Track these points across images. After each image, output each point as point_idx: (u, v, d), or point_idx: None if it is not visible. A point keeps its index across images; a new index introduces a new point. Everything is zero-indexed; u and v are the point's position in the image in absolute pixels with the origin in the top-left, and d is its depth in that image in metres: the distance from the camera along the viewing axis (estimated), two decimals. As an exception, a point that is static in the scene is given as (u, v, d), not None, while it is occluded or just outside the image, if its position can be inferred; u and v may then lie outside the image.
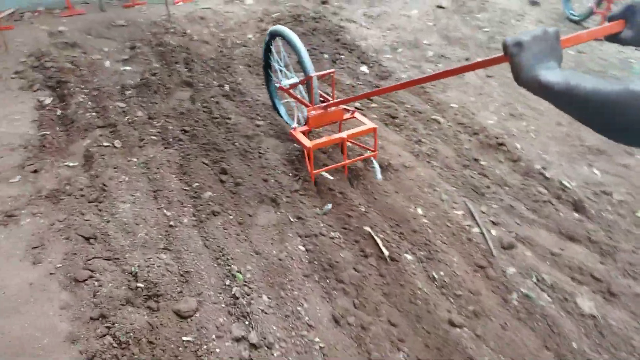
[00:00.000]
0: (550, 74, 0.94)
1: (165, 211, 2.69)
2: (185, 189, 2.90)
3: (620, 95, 0.82)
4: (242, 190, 2.85)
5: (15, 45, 4.64)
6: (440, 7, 5.60)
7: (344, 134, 2.84)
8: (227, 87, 4.05)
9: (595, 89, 0.85)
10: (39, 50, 4.52)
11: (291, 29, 3.18)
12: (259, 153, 3.21)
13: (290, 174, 2.99)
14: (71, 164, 3.10)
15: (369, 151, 3.03)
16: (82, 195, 2.78)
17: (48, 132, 3.39)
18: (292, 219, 2.63)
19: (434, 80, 1.73)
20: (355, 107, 3.41)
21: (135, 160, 3.17)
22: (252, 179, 2.94)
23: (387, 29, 5.14)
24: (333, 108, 2.92)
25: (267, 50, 3.39)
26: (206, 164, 3.14)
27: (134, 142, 3.32)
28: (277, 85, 3.31)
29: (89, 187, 2.85)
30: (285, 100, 3.56)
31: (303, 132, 2.95)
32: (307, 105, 3.00)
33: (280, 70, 3.28)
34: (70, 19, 5.32)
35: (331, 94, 3.09)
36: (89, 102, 3.78)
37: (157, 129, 3.50)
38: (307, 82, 2.96)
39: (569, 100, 0.91)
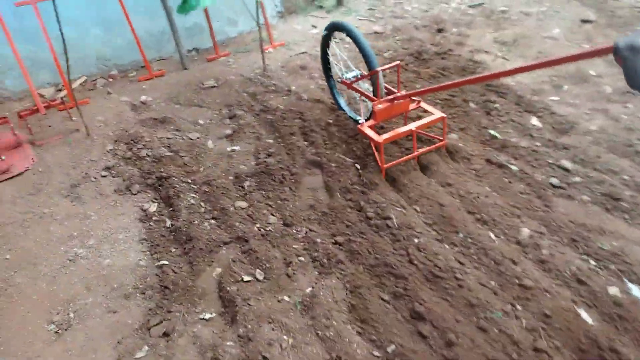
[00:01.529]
0: None
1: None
2: (376, 356, 2.02)
3: None
4: (462, 356, 1.93)
5: (97, 126, 3.96)
6: (587, 21, 4.50)
7: (412, 126, 2.85)
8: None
9: None
10: (126, 133, 3.80)
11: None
12: (456, 277, 2.29)
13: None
14: (208, 316, 2.29)
15: (437, 140, 3.06)
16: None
17: (165, 262, 2.61)
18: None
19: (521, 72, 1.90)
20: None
21: (287, 299, 2.33)
22: (466, 331, 2.03)
23: (534, 58, 4.11)
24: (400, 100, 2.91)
25: (325, 45, 3.47)
26: (387, 302, 2.25)
27: (279, 267, 2.49)
28: (339, 80, 3.28)
29: (247, 365, 2.03)
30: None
31: (370, 127, 2.96)
32: (372, 99, 2.95)
33: (341, 64, 3.40)
34: (151, 83, 4.62)
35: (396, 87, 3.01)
36: (202, 204, 3.00)
37: (301, 242, 2.65)
38: (372, 76, 2.91)
39: None
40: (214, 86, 4.28)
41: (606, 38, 4.24)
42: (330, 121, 3.62)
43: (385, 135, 2.84)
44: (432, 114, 2.99)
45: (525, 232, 2.52)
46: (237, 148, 3.51)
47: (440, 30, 4.69)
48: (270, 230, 2.74)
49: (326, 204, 2.93)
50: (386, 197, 2.82)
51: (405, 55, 4.28)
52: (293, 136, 3.54)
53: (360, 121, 2.96)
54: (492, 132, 3.27)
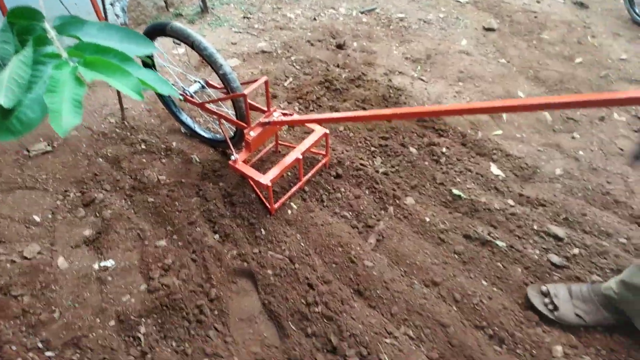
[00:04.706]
0: None
1: None
2: None
3: None
4: None
5: None
6: (490, 29, 4.14)
7: (297, 153, 2.44)
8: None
9: None
10: None
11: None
12: None
13: None
14: None
15: (320, 156, 2.75)
16: None
17: None
18: None
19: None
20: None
21: None
22: None
23: (456, 79, 3.58)
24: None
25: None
26: None
27: None
28: (181, 98, 2.64)
29: None
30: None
31: (245, 162, 2.50)
32: (241, 126, 2.45)
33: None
34: None
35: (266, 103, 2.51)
36: (73, 392, 1.78)
37: None
38: (234, 99, 2.40)
39: None
40: (48, 151, 2.86)
41: (516, 49, 3.91)
42: (241, 189, 2.58)
43: (271, 175, 2.35)
44: (310, 128, 2.63)
45: (558, 350, 1.91)
46: (109, 263, 2.28)
47: (340, 47, 3.88)
48: None
49: (281, 350, 1.96)
50: (366, 322, 1.96)
51: (312, 84, 3.39)
52: (194, 227, 2.43)
53: (232, 157, 2.45)
54: (454, 190, 2.62)
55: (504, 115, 3.21)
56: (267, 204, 2.45)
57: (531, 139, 3.03)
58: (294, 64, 3.69)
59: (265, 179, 2.34)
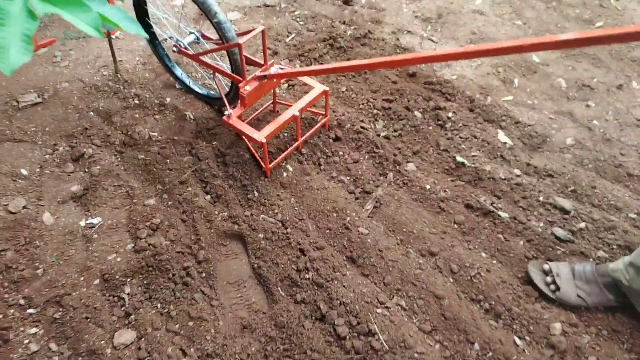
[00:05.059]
0: None
1: None
2: None
3: None
4: None
5: None
6: None
7: (294, 110, 2.32)
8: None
9: None
10: None
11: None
12: None
13: None
14: None
15: (320, 116, 2.61)
16: None
17: None
18: None
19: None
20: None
21: None
22: None
23: (468, 41, 3.38)
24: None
25: None
26: None
27: None
28: (175, 49, 2.52)
29: None
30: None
31: (239, 117, 2.37)
32: (236, 79, 2.30)
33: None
34: None
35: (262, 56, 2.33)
36: (52, 349, 1.75)
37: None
38: (229, 49, 2.23)
39: None
40: (38, 103, 2.75)
41: (534, 10, 3.68)
42: (235, 149, 2.48)
43: (266, 131, 2.24)
44: (310, 86, 2.51)
45: (557, 328, 1.84)
46: (96, 221, 2.21)
47: (347, 2, 3.67)
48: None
49: (268, 316, 1.90)
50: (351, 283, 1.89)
51: (316, 41, 3.21)
52: (186, 187, 2.34)
53: (226, 112, 2.34)
54: (458, 157, 2.50)
55: (516, 80, 3.04)
56: (262, 164, 2.35)
57: (543, 106, 2.87)
58: (298, 19, 3.50)
59: (260, 135, 2.23)
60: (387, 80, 2.97)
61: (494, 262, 2.08)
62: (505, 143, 2.61)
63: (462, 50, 1.50)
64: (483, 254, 2.10)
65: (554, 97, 2.95)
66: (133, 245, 2.11)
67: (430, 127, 2.69)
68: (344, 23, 3.46)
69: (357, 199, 2.33)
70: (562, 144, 2.63)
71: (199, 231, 2.15)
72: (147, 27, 2.71)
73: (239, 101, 2.36)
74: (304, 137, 2.48)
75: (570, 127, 2.74)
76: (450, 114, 2.75)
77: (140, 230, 2.14)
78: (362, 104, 2.82)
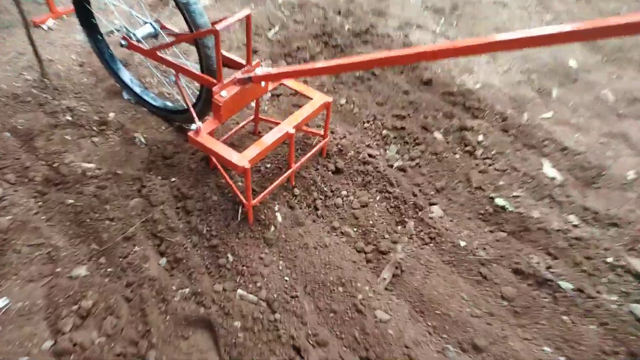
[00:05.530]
0: None
1: None
2: None
3: None
4: None
5: None
6: None
7: (288, 127, 1.67)
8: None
9: None
10: None
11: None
12: None
13: None
14: None
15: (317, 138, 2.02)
16: None
17: None
18: None
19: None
20: None
21: None
22: None
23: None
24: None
25: None
26: None
27: None
28: (124, 43, 1.86)
29: None
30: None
31: (211, 134, 1.68)
32: (211, 84, 1.64)
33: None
34: None
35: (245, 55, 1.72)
36: None
37: None
38: (200, 40, 1.64)
39: None
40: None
41: (563, 3, 3.10)
42: (201, 188, 1.83)
43: (251, 153, 1.60)
44: (308, 97, 1.85)
45: None
46: (2, 303, 1.53)
47: (341, -14, 3.01)
48: None
49: None
50: None
51: (306, 37, 2.55)
52: (132, 246, 1.69)
53: (193, 126, 1.67)
54: (497, 199, 1.91)
55: (554, 92, 2.46)
56: (242, 199, 1.71)
57: (590, 126, 2.31)
58: (282, 8, 2.82)
59: (241, 158, 1.58)
60: (397, 90, 2.35)
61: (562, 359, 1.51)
62: (553, 178, 2.03)
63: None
64: (546, 348, 1.53)
65: (602, 113, 2.39)
66: (52, 342, 1.45)
67: (457, 155, 2.09)
68: (339, 14, 2.80)
69: (369, 261, 1.72)
70: (622, 178, 2.08)
71: (149, 318, 1.51)
72: (86, 15, 2.01)
73: (212, 112, 1.71)
74: (298, 164, 1.86)
75: (628, 154, 2.19)
76: (480, 137, 2.15)
77: (63, 318, 1.49)
78: (368, 122, 2.20)
